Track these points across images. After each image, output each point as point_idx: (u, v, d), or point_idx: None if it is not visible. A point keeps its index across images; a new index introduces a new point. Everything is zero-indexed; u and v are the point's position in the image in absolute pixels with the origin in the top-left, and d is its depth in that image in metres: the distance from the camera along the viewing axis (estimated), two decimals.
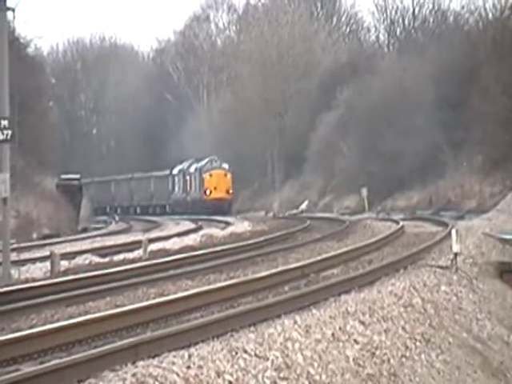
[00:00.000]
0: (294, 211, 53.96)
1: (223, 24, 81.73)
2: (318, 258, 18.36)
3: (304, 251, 21.96)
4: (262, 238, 26.57)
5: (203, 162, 61.62)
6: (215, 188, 60.06)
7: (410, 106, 46.42)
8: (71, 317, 11.70)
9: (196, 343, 9.49)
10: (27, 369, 8.30)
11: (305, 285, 14.76)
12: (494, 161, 40.32)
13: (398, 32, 64.58)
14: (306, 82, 63.31)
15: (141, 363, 8.29)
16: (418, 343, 11.68)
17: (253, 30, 67.44)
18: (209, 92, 79.00)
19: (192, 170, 62.94)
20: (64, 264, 19.25)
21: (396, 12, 63.55)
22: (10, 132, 17.85)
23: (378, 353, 10.61)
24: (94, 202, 64.05)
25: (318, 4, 72.48)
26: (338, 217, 43.13)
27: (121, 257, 21.85)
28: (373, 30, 69.70)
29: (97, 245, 26.92)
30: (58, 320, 11.60)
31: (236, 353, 8.90)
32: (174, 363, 8.22)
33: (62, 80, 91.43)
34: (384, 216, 41.15)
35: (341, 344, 10.32)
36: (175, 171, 65.85)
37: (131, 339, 9.36)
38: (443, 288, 15.12)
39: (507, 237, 21.95)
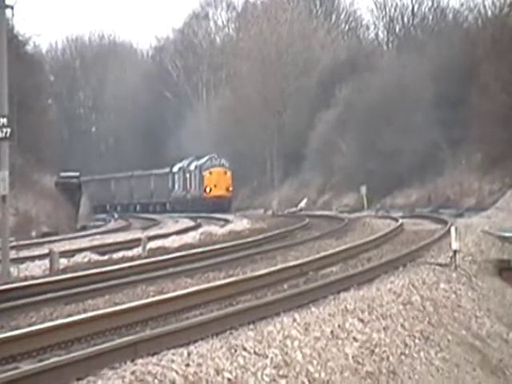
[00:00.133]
0: (293, 209, 53.88)
1: (222, 22, 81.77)
2: (317, 255, 18.37)
3: (303, 249, 21.96)
4: (260, 236, 26.57)
5: (203, 160, 61.56)
6: (215, 186, 60.04)
7: (409, 103, 46.35)
8: (70, 315, 11.71)
9: (195, 341, 9.48)
10: (26, 367, 8.30)
11: (304, 283, 14.76)
12: (492, 158, 40.27)
13: (397, 29, 64.51)
14: (305, 80, 63.20)
15: (140, 361, 8.29)
16: (417, 341, 11.68)
17: (252, 27, 67.33)
18: (208, 90, 78.91)
19: (192, 167, 62.90)
20: (63, 262, 19.28)
21: (395, 9, 63.56)
22: (8, 130, 17.84)
23: (377, 350, 10.61)
24: (93, 199, 64.01)
25: (317, 2, 72.44)
26: (337, 215, 43.09)
27: (120, 255, 21.87)
28: (372, 27, 69.74)
29: (96, 243, 26.92)
30: (56, 318, 11.62)
31: (235, 350, 8.90)
32: (173, 361, 8.21)
33: (60, 78, 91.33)
34: (383, 214, 41.08)
35: (340, 342, 10.32)
36: (175, 169, 65.79)
37: (130, 337, 9.36)
38: (442, 286, 15.11)
39: (506, 234, 21.98)
